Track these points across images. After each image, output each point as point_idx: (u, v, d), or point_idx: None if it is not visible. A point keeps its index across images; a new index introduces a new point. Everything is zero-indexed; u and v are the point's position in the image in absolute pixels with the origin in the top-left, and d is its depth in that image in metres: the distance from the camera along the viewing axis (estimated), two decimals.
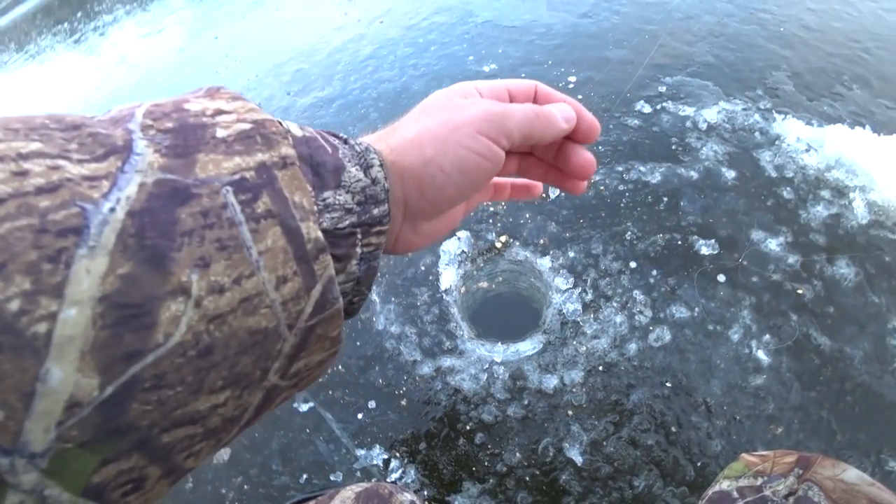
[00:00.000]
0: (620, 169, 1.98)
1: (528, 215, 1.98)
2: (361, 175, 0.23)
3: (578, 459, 1.20)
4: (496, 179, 0.34)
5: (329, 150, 0.22)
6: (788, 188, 1.66)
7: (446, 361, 1.45)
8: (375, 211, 0.23)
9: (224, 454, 1.31)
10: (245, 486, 1.30)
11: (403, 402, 1.34)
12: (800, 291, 1.42)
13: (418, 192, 0.25)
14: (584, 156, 0.30)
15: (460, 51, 3.04)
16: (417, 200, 0.25)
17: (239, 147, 0.18)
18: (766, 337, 1.34)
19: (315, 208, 0.20)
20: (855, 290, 1.40)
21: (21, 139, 0.15)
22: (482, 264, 1.92)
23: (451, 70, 2.92)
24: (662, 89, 2.16)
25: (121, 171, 0.16)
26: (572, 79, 2.45)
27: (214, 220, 0.17)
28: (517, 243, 1.92)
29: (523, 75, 2.60)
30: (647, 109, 2.11)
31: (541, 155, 0.32)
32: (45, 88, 5.92)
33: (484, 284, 1.87)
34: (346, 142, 0.24)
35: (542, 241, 1.90)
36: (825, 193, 1.61)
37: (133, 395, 0.15)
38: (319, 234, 0.19)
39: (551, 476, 1.21)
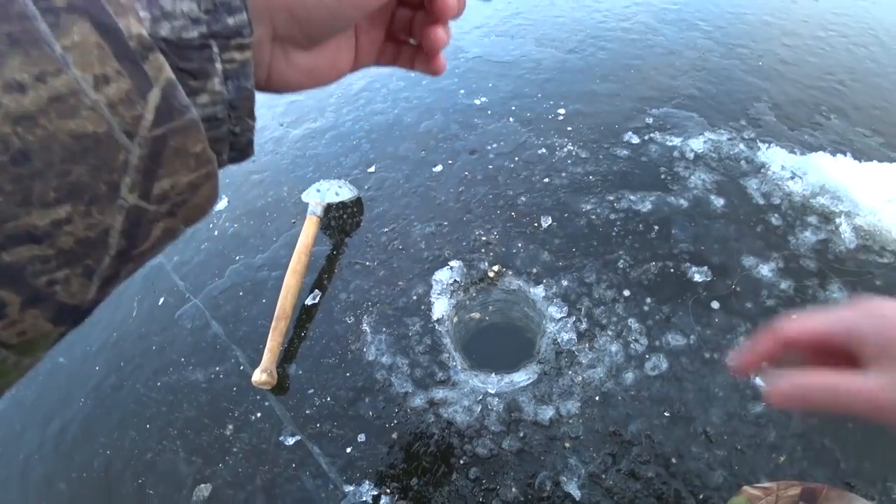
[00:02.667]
0: (611, 198, 2.00)
1: (520, 244, 1.98)
2: None
3: (577, 494, 1.15)
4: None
5: None
6: (776, 215, 1.68)
7: (439, 393, 1.41)
8: (230, 21, 0.21)
9: (204, 490, 1.24)
10: None
11: (394, 436, 1.29)
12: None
13: (287, 10, 0.24)
14: (440, 34, 0.31)
15: (451, 84, 3.11)
16: (286, 21, 0.24)
17: None
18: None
19: (136, 6, 0.19)
20: None
21: None
22: (475, 294, 1.90)
23: (442, 103, 2.97)
24: (649, 121, 2.21)
25: None
26: (561, 111, 2.50)
27: None
28: (510, 272, 1.91)
29: (514, 108, 2.65)
30: (636, 140, 2.15)
31: (414, 33, 0.33)
32: None
33: (477, 314, 1.84)
34: None
35: (535, 271, 1.89)
36: (812, 219, 1.63)
37: None
38: (143, 31, 0.18)
39: None
